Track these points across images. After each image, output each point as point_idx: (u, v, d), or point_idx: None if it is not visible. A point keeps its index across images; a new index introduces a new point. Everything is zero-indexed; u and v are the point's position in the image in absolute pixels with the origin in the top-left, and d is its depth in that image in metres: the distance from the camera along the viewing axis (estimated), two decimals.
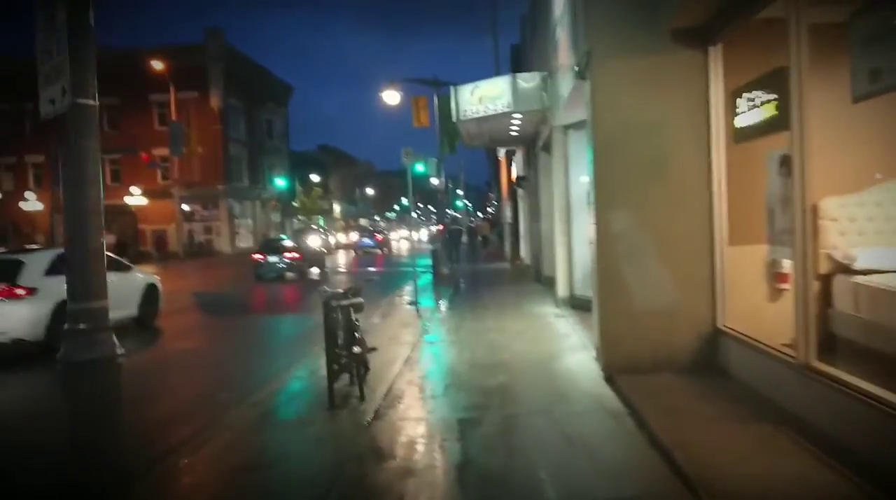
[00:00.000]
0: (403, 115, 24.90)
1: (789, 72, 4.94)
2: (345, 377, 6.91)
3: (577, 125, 11.71)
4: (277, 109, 59.03)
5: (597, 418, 5.82)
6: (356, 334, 6.84)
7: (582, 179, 11.92)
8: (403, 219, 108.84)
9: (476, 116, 12.70)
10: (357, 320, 7.24)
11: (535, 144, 17.35)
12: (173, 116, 42.14)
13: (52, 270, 10.43)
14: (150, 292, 13.19)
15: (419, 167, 28.69)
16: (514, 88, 12.11)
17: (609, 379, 6.81)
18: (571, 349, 8.59)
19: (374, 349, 7.38)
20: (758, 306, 6.54)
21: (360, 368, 6.81)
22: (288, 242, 26.09)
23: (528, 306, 12.82)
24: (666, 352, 6.81)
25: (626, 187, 6.95)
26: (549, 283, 15.48)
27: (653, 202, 6.90)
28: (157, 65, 40.99)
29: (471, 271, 24.05)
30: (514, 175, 25.69)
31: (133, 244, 43.92)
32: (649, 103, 6.89)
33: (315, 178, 63.95)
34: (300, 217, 62.20)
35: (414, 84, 24.74)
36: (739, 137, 6.16)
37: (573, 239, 12.20)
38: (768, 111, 5.44)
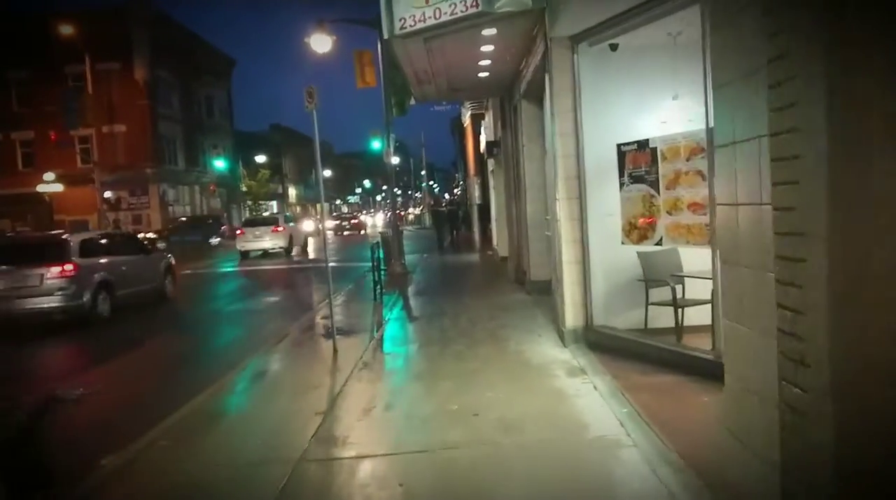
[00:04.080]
0: (365, 93, 20.05)
1: None
2: None
3: (597, 32, 6.72)
4: (218, 84, 52.46)
5: None
6: None
7: (598, 143, 7.01)
8: (366, 203, 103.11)
9: (422, 25, 7.53)
10: None
11: (513, 95, 12.31)
12: (90, 91, 35.86)
13: (286, 220, 29.56)
14: (290, 239, 27.80)
15: (376, 144, 23.78)
16: None
17: None
18: None
19: None
20: None
21: None
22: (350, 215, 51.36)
23: (516, 344, 7.76)
24: None
25: None
26: (538, 290, 10.60)
27: None
28: (67, 30, 34.66)
29: (431, 267, 18.99)
30: (483, 144, 20.61)
31: None
32: None
33: (262, 159, 57.77)
34: (249, 202, 56.17)
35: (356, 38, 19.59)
36: None
37: (589, 230, 7.23)
38: None
